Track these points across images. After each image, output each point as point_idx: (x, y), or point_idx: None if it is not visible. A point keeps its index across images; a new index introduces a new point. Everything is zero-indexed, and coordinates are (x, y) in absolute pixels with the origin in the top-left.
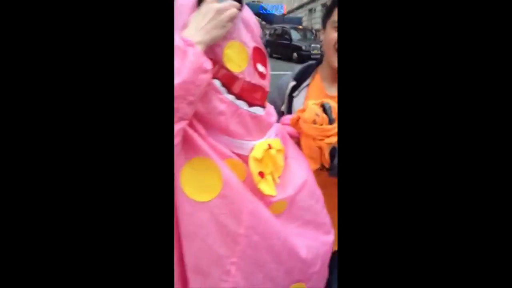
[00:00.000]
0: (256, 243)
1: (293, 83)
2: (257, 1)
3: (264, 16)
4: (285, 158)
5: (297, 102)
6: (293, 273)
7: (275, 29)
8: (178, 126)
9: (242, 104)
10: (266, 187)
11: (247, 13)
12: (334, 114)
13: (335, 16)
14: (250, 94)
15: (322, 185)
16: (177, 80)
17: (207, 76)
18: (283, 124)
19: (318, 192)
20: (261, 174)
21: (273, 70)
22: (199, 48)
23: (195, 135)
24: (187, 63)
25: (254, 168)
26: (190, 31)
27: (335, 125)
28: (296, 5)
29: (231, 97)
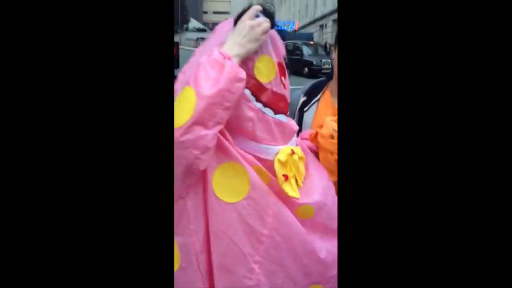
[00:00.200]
0: (278, 244)
1: (303, 98)
2: None
3: (276, 32)
4: (306, 167)
5: (308, 117)
6: (312, 274)
7: (287, 45)
8: (214, 130)
9: (268, 111)
10: (290, 189)
11: (273, 32)
12: None
13: None
14: (276, 103)
15: None
16: (214, 89)
17: (242, 84)
18: (302, 138)
19: None
20: (285, 177)
21: None
22: (235, 61)
23: (226, 142)
24: (225, 73)
25: (279, 170)
26: (228, 46)
27: None
28: (307, 21)
29: (259, 105)
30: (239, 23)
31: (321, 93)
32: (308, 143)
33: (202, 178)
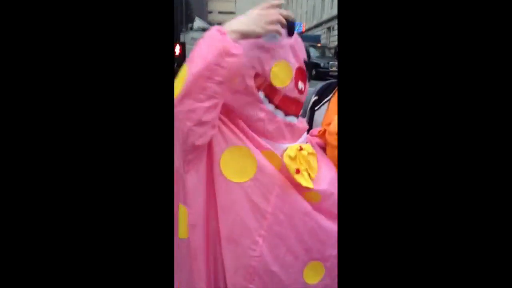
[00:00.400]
0: (281, 221)
1: (315, 97)
2: None
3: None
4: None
5: (318, 115)
6: (312, 251)
7: None
8: (207, 104)
9: (279, 113)
10: (303, 180)
11: (296, 39)
12: None
13: None
14: (288, 106)
15: None
16: (202, 63)
17: (235, 59)
18: (311, 135)
19: None
20: (297, 170)
21: None
22: (233, 36)
23: (235, 128)
24: (213, 48)
25: (290, 164)
26: (229, 22)
27: None
28: (314, 23)
29: (271, 107)
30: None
31: (332, 93)
32: (317, 139)
33: (207, 159)
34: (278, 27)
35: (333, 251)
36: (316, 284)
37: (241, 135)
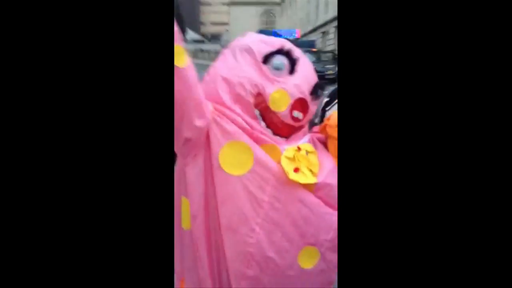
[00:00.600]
0: (277, 209)
1: (327, 99)
2: (271, 27)
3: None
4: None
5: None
6: (306, 236)
7: None
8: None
9: (268, 131)
10: (303, 178)
11: (307, 71)
12: None
13: None
14: (278, 128)
15: None
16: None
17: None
18: (314, 132)
19: None
20: (296, 170)
21: None
22: None
23: (233, 125)
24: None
25: (287, 165)
26: None
27: None
28: (309, 28)
29: (263, 124)
30: None
31: None
32: (318, 134)
33: (205, 153)
34: None
35: (327, 236)
36: (311, 269)
37: (239, 130)
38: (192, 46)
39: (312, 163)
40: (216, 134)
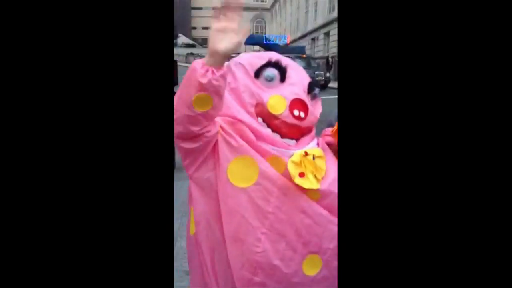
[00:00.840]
0: (281, 219)
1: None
2: (261, 33)
3: (268, 46)
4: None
5: None
6: (309, 245)
7: None
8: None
9: (276, 135)
10: (307, 183)
11: (298, 78)
12: None
13: None
14: (284, 130)
15: None
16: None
17: (221, 81)
18: (324, 135)
19: None
20: (301, 175)
21: None
22: (211, 62)
23: (240, 140)
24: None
25: (293, 170)
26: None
27: None
28: (299, 34)
29: (268, 130)
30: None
31: None
32: (329, 138)
33: (213, 169)
34: (239, 36)
35: (330, 245)
36: (314, 276)
37: (245, 145)
38: (183, 50)
39: (318, 168)
40: (224, 151)
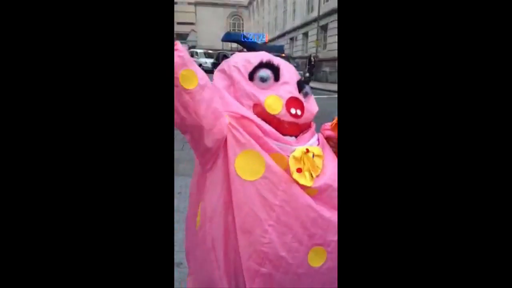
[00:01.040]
0: (287, 212)
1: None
2: (238, 30)
3: (246, 44)
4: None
5: None
6: (314, 237)
7: None
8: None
9: (276, 133)
10: (303, 179)
11: (289, 77)
12: None
13: None
14: (283, 128)
15: None
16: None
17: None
18: (324, 129)
19: None
20: (299, 170)
21: None
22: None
23: (247, 135)
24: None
25: (292, 164)
26: None
27: None
28: (277, 33)
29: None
30: None
31: None
32: (329, 132)
33: (223, 163)
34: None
35: (334, 237)
36: (319, 267)
37: (252, 140)
38: None
39: (315, 166)
40: (232, 145)
